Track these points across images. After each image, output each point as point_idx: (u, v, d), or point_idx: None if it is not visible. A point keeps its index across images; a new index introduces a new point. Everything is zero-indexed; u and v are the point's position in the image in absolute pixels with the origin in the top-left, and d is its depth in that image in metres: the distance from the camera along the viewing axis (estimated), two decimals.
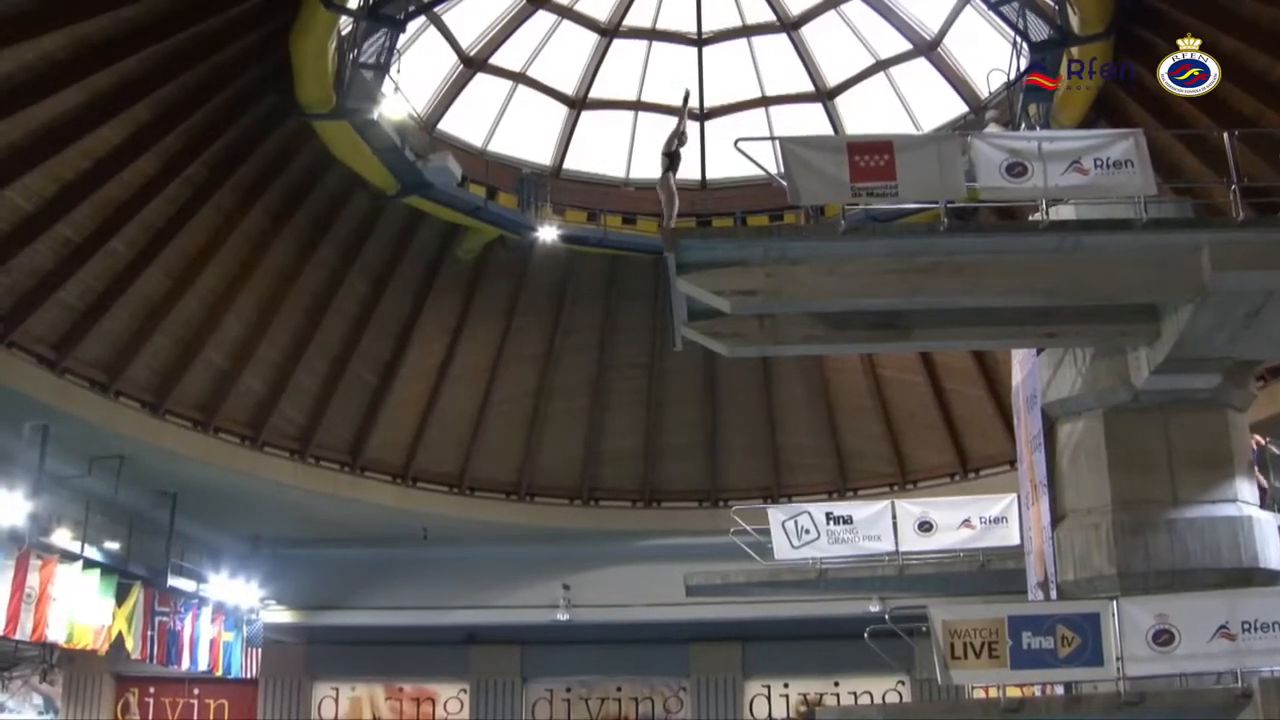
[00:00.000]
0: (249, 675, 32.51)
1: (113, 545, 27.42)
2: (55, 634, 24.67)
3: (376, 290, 29.40)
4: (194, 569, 30.29)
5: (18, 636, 24.16)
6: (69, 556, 25.06)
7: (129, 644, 26.98)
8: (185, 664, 29.31)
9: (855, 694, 33.63)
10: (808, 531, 23.10)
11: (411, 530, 32.43)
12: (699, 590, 25.84)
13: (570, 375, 31.99)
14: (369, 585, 33.17)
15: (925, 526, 22.81)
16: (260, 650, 32.48)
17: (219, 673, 30.84)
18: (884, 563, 23.15)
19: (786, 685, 34.68)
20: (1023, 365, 18.37)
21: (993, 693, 15.31)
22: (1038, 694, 15.79)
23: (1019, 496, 20.02)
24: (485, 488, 32.51)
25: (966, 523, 22.57)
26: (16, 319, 23.33)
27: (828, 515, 23.34)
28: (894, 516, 22.89)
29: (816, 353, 27.18)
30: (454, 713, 35.41)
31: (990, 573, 22.12)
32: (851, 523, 23.14)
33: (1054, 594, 16.37)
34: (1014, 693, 15.18)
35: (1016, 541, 20.62)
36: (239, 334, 27.44)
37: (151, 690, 34.80)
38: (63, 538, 25.24)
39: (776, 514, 23.62)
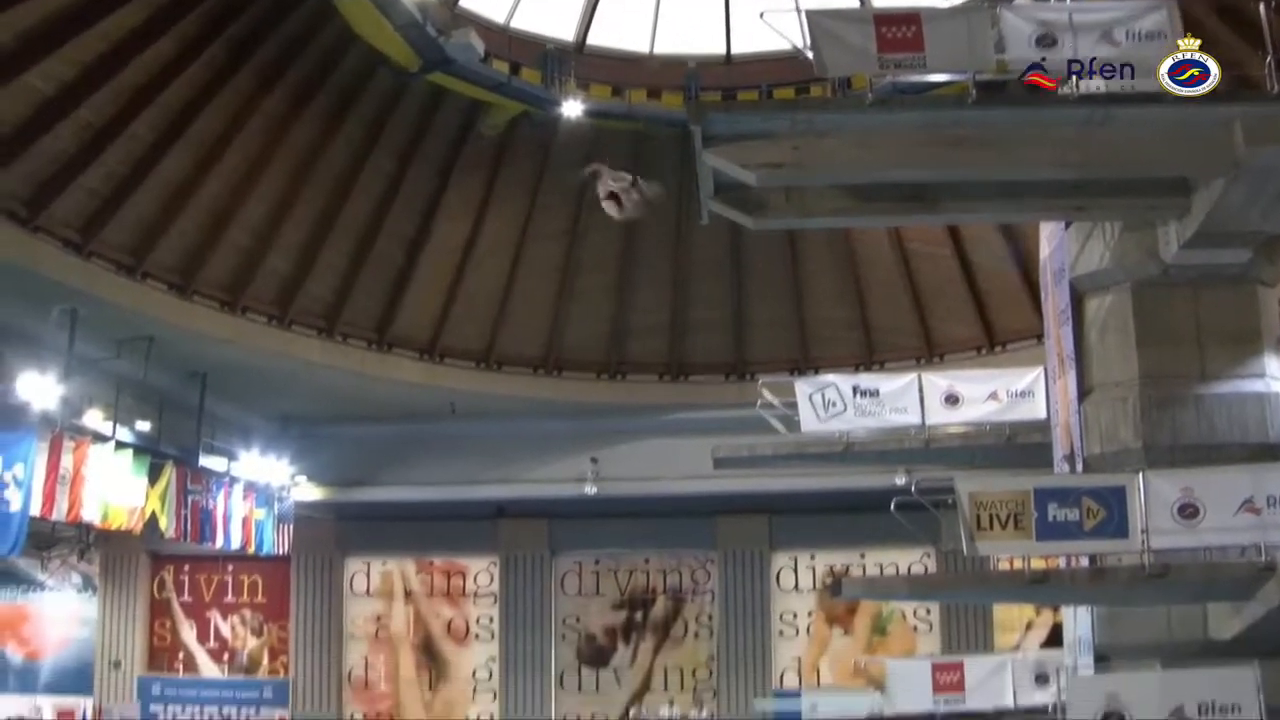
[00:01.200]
0: (281, 552, 32.85)
1: (144, 426, 27.68)
2: (90, 514, 24.99)
3: (401, 168, 29.22)
4: (225, 448, 30.61)
5: (54, 517, 24.44)
6: (101, 438, 25.34)
7: (162, 523, 27.30)
8: (219, 542, 29.67)
9: (881, 565, 33.93)
10: (834, 404, 23.00)
11: (439, 406, 32.54)
12: (726, 463, 25.86)
13: (596, 250, 31.85)
14: (398, 461, 33.42)
15: (952, 399, 22.69)
16: (291, 527, 32.80)
17: (251, 550, 31.22)
18: (910, 435, 23.09)
19: (813, 557, 35.00)
20: (1051, 239, 18.23)
21: (1018, 564, 15.41)
22: (1062, 566, 15.91)
23: (1046, 370, 19.99)
24: (512, 362, 32.57)
25: (993, 396, 22.43)
26: (42, 203, 23.35)
27: (854, 388, 23.15)
28: (920, 389, 22.74)
29: (843, 225, 26.95)
30: (484, 586, 35.89)
31: (1016, 446, 22.10)
32: (878, 395, 22.99)
33: (1080, 467, 16.41)
34: (1039, 564, 15.31)
35: (1043, 415, 20.58)
36: (264, 214, 27.39)
37: (186, 568, 35.49)
38: (94, 419, 25.54)
39: (803, 387, 23.48)
